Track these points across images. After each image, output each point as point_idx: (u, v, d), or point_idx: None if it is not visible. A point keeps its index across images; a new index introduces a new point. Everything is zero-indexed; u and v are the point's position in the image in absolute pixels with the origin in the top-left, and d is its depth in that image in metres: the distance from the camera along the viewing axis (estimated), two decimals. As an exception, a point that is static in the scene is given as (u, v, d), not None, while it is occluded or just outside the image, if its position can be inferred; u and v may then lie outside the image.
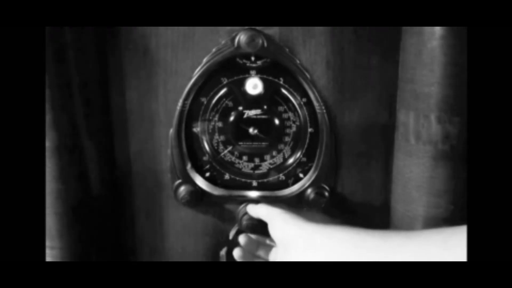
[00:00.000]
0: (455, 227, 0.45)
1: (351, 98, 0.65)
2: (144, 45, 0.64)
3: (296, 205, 0.69)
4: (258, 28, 0.62)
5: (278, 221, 0.60)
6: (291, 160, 0.69)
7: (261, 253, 0.67)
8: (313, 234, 0.56)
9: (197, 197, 0.69)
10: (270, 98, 0.67)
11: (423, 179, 0.59)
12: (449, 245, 0.44)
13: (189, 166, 0.69)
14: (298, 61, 0.64)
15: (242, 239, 0.67)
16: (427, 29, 0.54)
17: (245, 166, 0.70)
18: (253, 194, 0.70)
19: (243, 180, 0.70)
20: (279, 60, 0.64)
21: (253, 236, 0.68)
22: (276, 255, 0.61)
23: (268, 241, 0.67)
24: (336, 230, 0.55)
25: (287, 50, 0.63)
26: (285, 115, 0.68)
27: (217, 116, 0.68)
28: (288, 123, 0.68)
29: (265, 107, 0.67)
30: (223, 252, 0.69)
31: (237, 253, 0.66)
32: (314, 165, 0.68)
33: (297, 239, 0.56)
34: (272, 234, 0.60)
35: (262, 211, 0.64)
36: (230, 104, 0.67)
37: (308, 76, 0.64)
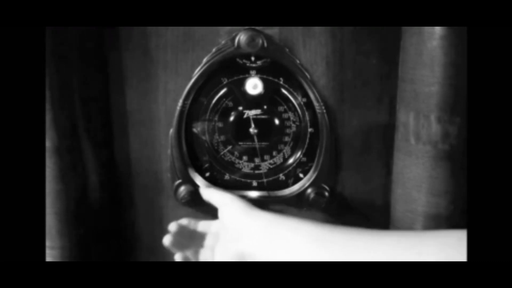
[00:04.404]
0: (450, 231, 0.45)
1: (351, 98, 0.65)
2: (144, 45, 0.64)
3: (296, 205, 0.69)
4: (258, 28, 0.62)
5: (232, 207, 0.59)
6: (291, 160, 0.69)
7: (194, 242, 0.64)
8: (272, 224, 0.55)
9: (197, 197, 0.69)
10: (270, 98, 0.67)
11: (423, 179, 0.59)
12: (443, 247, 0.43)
13: (189, 166, 0.69)
14: (298, 61, 0.64)
15: (173, 226, 0.62)
16: (427, 29, 0.54)
17: (245, 166, 0.70)
18: (253, 194, 0.70)
19: (243, 180, 0.70)
20: (279, 60, 0.64)
21: (186, 223, 0.65)
22: (218, 243, 0.60)
23: (201, 228, 0.65)
24: (301, 223, 0.54)
25: (287, 50, 0.63)
26: (285, 115, 0.68)
27: (217, 116, 0.68)
28: (288, 123, 0.68)
29: (265, 107, 0.67)
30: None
31: (167, 240, 0.61)
32: (314, 165, 0.68)
33: (252, 228, 0.55)
34: (223, 220, 0.59)
35: (214, 196, 0.63)
36: (230, 104, 0.67)
37: (308, 76, 0.64)
